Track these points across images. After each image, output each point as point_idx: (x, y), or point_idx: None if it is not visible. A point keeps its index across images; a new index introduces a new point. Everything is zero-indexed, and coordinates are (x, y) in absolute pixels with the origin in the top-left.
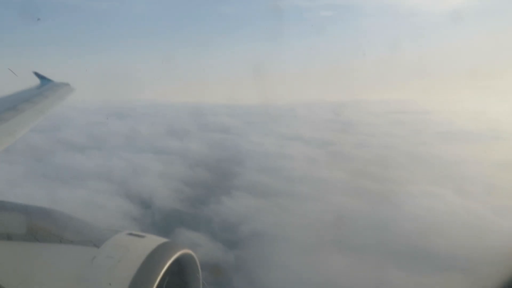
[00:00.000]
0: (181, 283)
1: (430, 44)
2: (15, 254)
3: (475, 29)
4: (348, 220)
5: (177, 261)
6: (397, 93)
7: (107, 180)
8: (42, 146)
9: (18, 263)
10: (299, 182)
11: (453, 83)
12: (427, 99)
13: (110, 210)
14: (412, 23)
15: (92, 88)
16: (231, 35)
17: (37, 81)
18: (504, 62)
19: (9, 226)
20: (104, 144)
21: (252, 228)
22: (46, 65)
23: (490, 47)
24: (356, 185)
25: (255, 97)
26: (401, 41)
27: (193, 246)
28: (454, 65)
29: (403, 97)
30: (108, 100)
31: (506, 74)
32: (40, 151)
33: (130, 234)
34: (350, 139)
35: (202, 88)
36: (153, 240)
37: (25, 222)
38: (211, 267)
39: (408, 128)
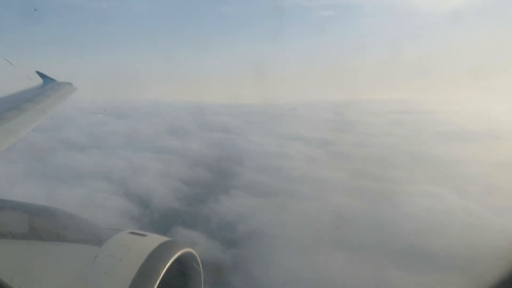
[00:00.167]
0: (182, 282)
1: (431, 44)
2: (19, 253)
3: (477, 28)
4: (347, 220)
5: (179, 260)
6: (398, 93)
7: (107, 179)
8: (43, 145)
9: (22, 261)
10: (298, 181)
11: (454, 83)
12: (428, 99)
13: (109, 209)
14: (413, 22)
15: (93, 88)
16: (232, 34)
17: (39, 80)
18: (505, 61)
19: (13, 225)
20: (105, 144)
21: (250, 227)
22: (48, 64)
23: (491, 47)
24: (355, 185)
25: (256, 96)
26: (402, 40)
27: (191, 245)
28: (455, 65)
29: (404, 97)
30: (109, 100)
31: (507, 73)
32: (41, 150)
33: (132, 233)
34: (350, 138)
35: (203, 87)
36: (155, 239)
37: (28, 221)
38: (208, 266)
39: (408, 128)
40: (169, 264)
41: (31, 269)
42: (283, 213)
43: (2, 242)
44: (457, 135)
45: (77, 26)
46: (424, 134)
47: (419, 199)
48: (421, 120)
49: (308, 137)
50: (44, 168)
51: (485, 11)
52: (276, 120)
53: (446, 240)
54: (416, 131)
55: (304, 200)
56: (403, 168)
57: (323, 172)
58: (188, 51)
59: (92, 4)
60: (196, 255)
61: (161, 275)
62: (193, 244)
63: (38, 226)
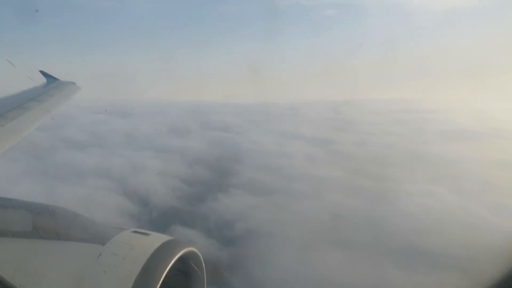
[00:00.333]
0: (185, 281)
1: (433, 43)
2: (22, 251)
3: (480, 27)
4: (346, 219)
5: (182, 259)
6: (400, 92)
7: (107, 178)
8: (44, 144)
9: (25, 260)
10: (298, 180)
11: (457, 82)
12: (431, 98)
13: (109, 208)
14: (416, 21)
15: (95, 87)
16: (233, 34)
17: (42, 80)
18: (508, 60)
19: (16, 224)
20: (106, 143)
21: (250, 226)
22: (48, 64)
23: (494, 46)
24: (355, 184)
25: (258, 95)
26: (404, 40)
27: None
28: (458, 64)
29: (406, 96)
30: (111, 99)
31: (510, 72)
32: (42, 149)
33: (135, 232)
34: (351, 138)
35: (205, 87)
36: (158, 238)
37: (32, 220)
38: (207, 264)
39: (410, 127)
40: (172, 263)
41: (34, 268)
42: (283, 212)
43: (5, 240)
44: (458, 134)
45: (78, 25)
46: (425, 133)
47: (419, 198)
48: (422, 119)
49: (309, 136)
50: (45, 167)
51: (489, 9)
52: (277, 119)
53: (446, 240)
54: (418, 130)
55: (303, 199)
56: (404, 167)
57: (323, 171)
58: (190, 50)
59: (93, 3)
60: (199, 254)
61: (164, 274)
62: (192, 243)
63: (42, 224)
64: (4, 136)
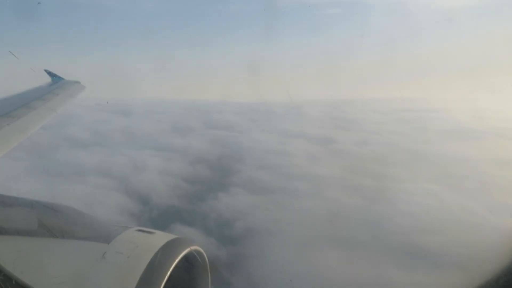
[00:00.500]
0: (190, 279)
1: (440, 42)
2: (28, 249)
3: (486, 26)
4: (348, 218)
5: (186, 257)
6: (404, 91)
7: (109, 177)
8: (46, 142)
9: (30, 258)
10: (300, 179)
11: (461, 81)
12: (436, 97)
13: (110, 206)
14: (421, 20)
15: (97, 86)
16: (236, 33)
17: (48, 78)
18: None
19: (21, 222)
20: (108, 141)
21: (251, 225)
22: (49, 63)
23: (499, 45)
24: (357, 183)
25: (261, 94)
26: (408, 38)
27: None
28: (462, 63)
29: (410, 95)
30: (114, 98)
31: None
32: (44, 147)
33: (140, 230)
34: (354, 137)
35: (208, 86)
36: (163, 236)
37: (37, 218)
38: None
39: (413, 126)
40: (176, 261)
41: (39, 266)
42: (283, 211)
43: (11, 239)
44: (461, 133)
45: (79, 24)
46: (428, 132)
47: (421, 198)
48: (426, 118)
49: (311, 135)
50: (48, 165)
51: (497, 8)
52: (279, 118)
53: (446, 239)
54: (420, 129)
55: (304, 198)
56: (407, 166)
57: (325, 170)
58: (192, 49)
59: (93, 2)
60: (204, 252)
61: (169, 273)
62: (196, 241)
63: (47, 223)
64: (9, 134)
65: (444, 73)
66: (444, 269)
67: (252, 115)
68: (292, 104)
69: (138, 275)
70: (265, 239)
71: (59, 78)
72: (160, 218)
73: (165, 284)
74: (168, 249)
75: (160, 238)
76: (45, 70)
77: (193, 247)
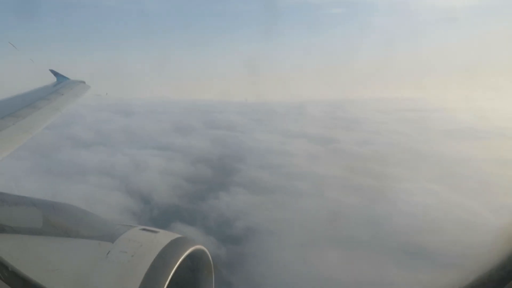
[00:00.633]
0: (194, 278)
1: (442, 42)
2: (32, 248)
3: (489, 26)
4: (349, 217)
5: (190, 257)
6: (407, 91)
7: (111, 176)
8: (49, 142)
9: (35, 257)
10: (301, 179)
11: (464, 81)
12: (437, 96)
13: (112, 205)
14: (424, 20)
15: (99, 86)
16: (238, 32)
17: (53, 78)
18: None
19: (26, 221)
20: (110, 141)
21: (251, 224)
22: (51, 63)
23: (502, 45)
24: (359, 183)
25: (263, 94)
26: (410, 39)
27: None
28: (466, 63)
29: (412, 94)
30: (116, 98)
31: None
32: (47, 147)
33: (144, 229)
34: (356, 136)
35: (210, 86)
36: (166, 236)
37: (41, 217)
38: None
39: (416, 126)
40: (180, 260)
41: (44, 265)
42: (284, 210)
43: (16, 237)
44: (463, 133)
45: (79, 24)
46: (430, 132)
47: (422, 198)
48: (427, 118)
49: (313, 135)
50: (51, 165)
51: (496, 8)
52: (282, 118)
53: (447, 239)
54: (422, 129)
55: (305, 197)
56: (408, 166)
57: (326, 170)
58: (194, 49)
59: (93, 2)
60: (207, 252)
61: (173, 272)
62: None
63: (52, 222)
64: (14, 134)
65: (445, 73)
66: (444, 269)
67: (253, 115)
68: (294, 104)
69: (142, 274)
70: (266, 239)
71: (64, 78)
72: (161, 218)
73: (169, 283)
74: (172, 248)
75: (164, 237)
76: (51, 70)
77: (197, 247)
